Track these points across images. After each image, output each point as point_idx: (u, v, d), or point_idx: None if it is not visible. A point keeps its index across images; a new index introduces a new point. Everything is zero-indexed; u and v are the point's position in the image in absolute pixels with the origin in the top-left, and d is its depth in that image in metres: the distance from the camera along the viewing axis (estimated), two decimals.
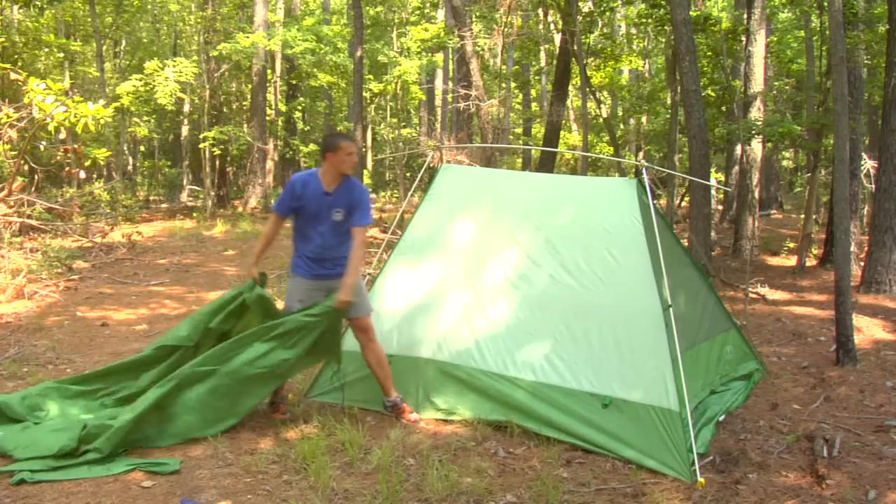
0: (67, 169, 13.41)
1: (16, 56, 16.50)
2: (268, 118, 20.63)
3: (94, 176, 20.49)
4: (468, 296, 4.57)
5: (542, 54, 21.38)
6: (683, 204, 14.61)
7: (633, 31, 19.49)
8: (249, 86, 21.22)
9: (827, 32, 8.51)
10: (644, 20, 12.80)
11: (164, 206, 21.29)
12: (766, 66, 12.36)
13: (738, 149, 11.97)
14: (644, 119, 20.32)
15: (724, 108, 12.07)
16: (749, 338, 5.43)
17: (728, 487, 3.55)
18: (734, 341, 5.12)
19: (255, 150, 19.28)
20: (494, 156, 12.66)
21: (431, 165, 7.15)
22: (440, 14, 23.08)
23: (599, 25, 15.17)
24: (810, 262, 10.04)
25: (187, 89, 19.28)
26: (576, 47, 11.95)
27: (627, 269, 4.17)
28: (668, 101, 13.66)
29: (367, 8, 23.41)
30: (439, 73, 25.00)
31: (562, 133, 19.33)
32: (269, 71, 20.93)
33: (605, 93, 18.36)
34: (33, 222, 10.27)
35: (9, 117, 8.61)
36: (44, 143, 9.83)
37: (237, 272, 9.97)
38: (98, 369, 4.49)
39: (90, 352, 5.96)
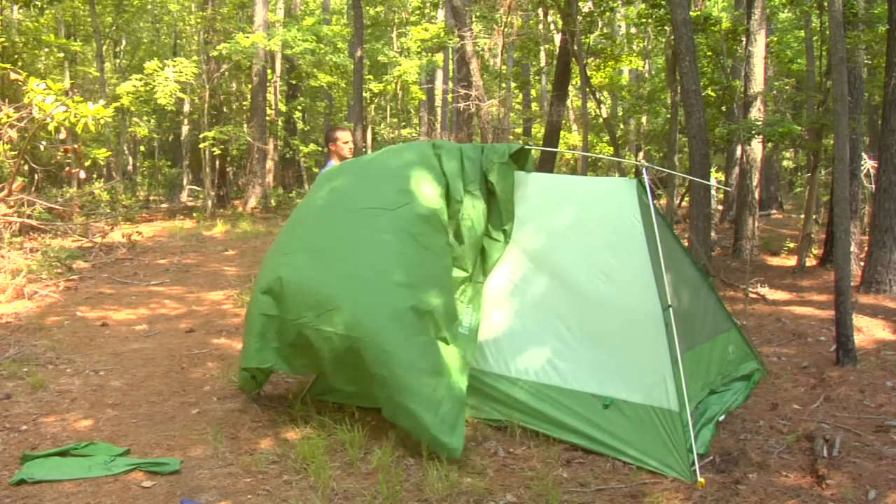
0: (67, 169, 13.41)
1: (16, 56, 16.51)
2: (268, 118, 20.64)
3: (94, 176, 20.51)
4: None
5: (542, 54, 21.37)
6: (683, 204, 14.60)
7: (633, 31, 19.49)
8: (249, 86, 21.23)
9: (827, 32, 8.51)
10: (644, 20, 12.79)
11: (164, 206, 21.30)
12: (766, 66, 12.35)
13: (738, 149, 11.96)
14: (644, 119, 20.32)
15: (724, 108, 12.06)
16: (749, 338, 5.43)
17: (728, 487, 3.55)
18: (735, 341, 5.12)
19: (255, 150, 19.29)
20: None
21: None
22: (440, 14, 23.08)
23: (599, 25, 15.17)
24: (810, 262, 10.03)
25: (187, 89, 19.28)
26: (576, 47, 11.95)
27: (628, 270, 4.17)
28: (668, 101, 13.66)
29: (367, 8, 23.41)
30: (439, 73, 24.98)
31: (562, 133, 19.33)
32: (269, 71, 20.93)
33: (605, 93, 18.35)
34: (33, 222, 10.27)
35: (9, 117, 8.61)
36: (44, 143, 9.82)
37: (237, 272, 9.98)
38: None
39: (90, 352, 5.96)
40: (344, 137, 5.49)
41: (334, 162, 5.46)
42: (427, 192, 4.35)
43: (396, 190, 4.33)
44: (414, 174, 4.41)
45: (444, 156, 4.53)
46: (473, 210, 4.48)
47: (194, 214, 18.10)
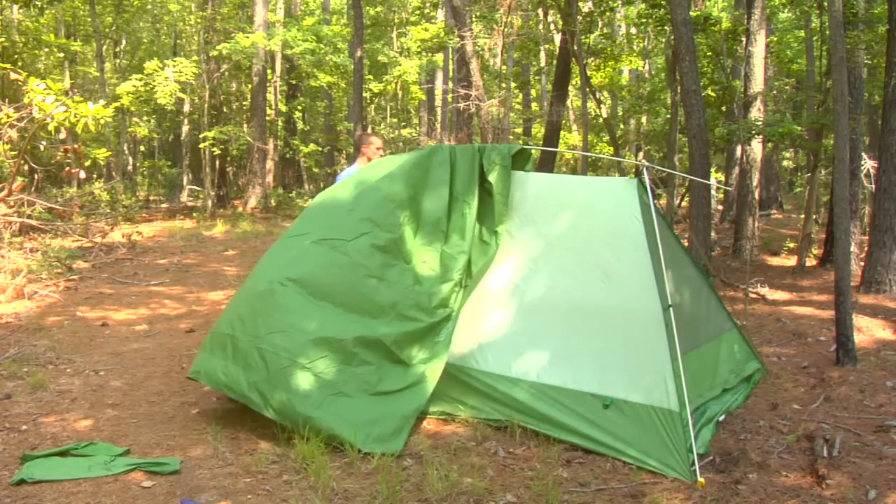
0: (67, 169, 13.40)
1: (16, 56, 16.51)
2: (268, 118, 20.63)
3: (94, 176, 20.52)
4: (470, 298, 4.56)
5: (542, 54, 21.38)
6: (683, 204, 14.60)
7: (633, 31, 19.49)
8: (249, 86, 21.23)
9: (827, 32, 8.51)
10: (644, 20, 12.79)
11: (164, 206, 21.29)
12: (766, 66, 12.35)
13: (738, 149, 11.97)
14: (644, 119, 20.32)
15: (724, 108, 12.06)
16: (749, 338, 5.43)
17: (728, 487, 3.55)
18: (738, 341, 5.12)
19: (255, 150, 19.28)
20: None
21: None
22: (440, 14, 23.08)
23: (599, 25, 15.16)
24: (810, 262, 10.03)
25: (187, 89, 19.28)
26: (576, 47, 11.95)
27: (628, 270, 4.17)
28: (668, 101, 13.65)
29: (367, 8, 23.40)
30: (439, 74, 24.98)
31: (562, 133, 19.32)
32: (269, 71, 20.93)
33: (605, 93, 18.35)
34: (33, 222, 10.26)
35: (9, 117, 8.60)
36: (44, 143, 9.81)
37: (237, 272, 9.98)
38: None
39: (90, 352, 5.96)
40: (377, 143, 5.74)
41: (358, 166, 5.62)
42: (389, 220, 4.46)
43: (359, 219, 4.46)
44: (382, 200, 4.53)
45: (424, 176, 4.62)
46: (462, 219, 4.53)
47: (194, 214, 18.10)
